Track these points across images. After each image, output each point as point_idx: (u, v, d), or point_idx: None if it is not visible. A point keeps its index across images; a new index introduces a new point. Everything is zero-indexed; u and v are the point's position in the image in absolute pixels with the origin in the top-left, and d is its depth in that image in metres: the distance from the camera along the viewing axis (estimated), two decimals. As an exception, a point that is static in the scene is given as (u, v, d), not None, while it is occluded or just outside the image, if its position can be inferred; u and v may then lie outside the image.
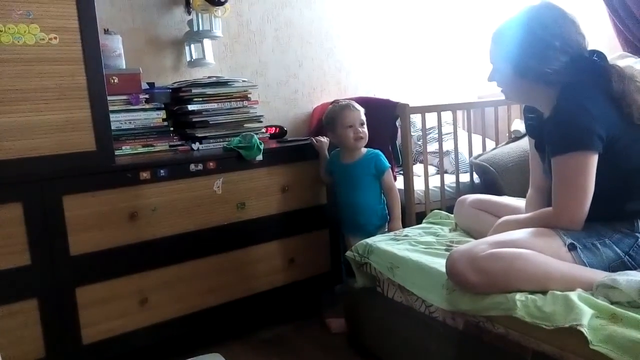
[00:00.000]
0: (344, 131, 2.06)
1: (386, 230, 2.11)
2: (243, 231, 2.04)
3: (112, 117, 1.86)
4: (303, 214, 2.20)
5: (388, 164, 2.12)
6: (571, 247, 1.33)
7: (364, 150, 2.12)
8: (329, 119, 2.12)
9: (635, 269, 1.32)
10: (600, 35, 2.69)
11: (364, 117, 2.09)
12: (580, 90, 1.38)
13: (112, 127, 1.84)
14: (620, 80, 1.36)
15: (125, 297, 1.81)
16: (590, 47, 1.44)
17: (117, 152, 1.90)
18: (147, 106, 2.08)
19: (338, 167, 2.15)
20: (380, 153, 2.13)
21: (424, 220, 2.10)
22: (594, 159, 1.32)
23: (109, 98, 1.77)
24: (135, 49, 2.32)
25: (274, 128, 2.53)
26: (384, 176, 2.10)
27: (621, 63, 1.47)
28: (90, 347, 1.75)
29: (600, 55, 1.43)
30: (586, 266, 1.32)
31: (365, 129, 2.08)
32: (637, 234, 1.36)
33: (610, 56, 1.47)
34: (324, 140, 2.22)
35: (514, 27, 1.45)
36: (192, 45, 2.45)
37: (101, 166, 1.74)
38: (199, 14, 2.34)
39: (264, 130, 2.33)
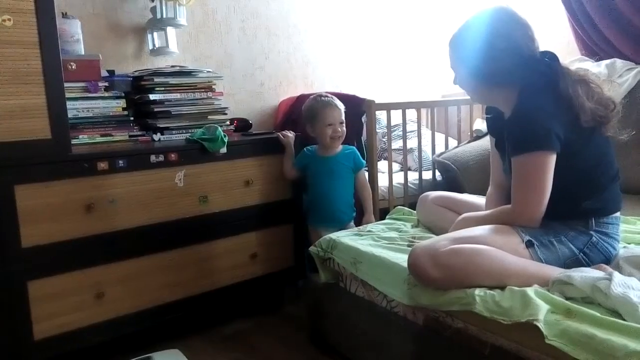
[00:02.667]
0: (323, 129, 2.09)
1: (352, 225, 2.16)
2: (205, 225, 2.01)
3: (69, 104, 1.78)
4: (267, 208, 2.18)
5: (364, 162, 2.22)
6: (529, 244, 1.37)
7: (340, 145, 2.17)
8: (310, 113, 2.13)
9: (589, 265, 1.36)
10: (560, 38, 2.77)
11: (343, 116, 2.13)
12: (539, 91, 1.41)
13: (69, 115, 1.77)
14: (568, 82, 1.39)
15: (80, 291, 1.74)
16: (550, 50, 1.48)
17: (73, 141, 1.82)
18: (106, 94, 2.01)
19: (315, 160, 2.17)
20: (356, 150, 2.20)
21: (387, 216, 2.11)
22: (552, 158, 1.36)
23: (65, 85, 1.70)
24: (95, 35, 2.24)
25: (238, 121, 2.49)
26: (360, 172, 2.20)
27: (579, 66, 1.51)
28: (43, 342, 1.68)
29: (552, 57, 1.46)
30: (543, 262, 1.36)
31: (344, 128, 2.13)
32: (591, 232, 1.41)
33: (569, 59, 1.51)
34: (291, 135, 2.22)
35: (465, 32, 1.51)
36: (155, 33, 2.38)
37: (56, 155, 1.67)
38: (163, 1, 2.27)
39: (228, 122, 2.29)
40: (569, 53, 2.68)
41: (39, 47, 1.61)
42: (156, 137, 2.07)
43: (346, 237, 1.81)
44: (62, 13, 2.03)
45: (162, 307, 1.93)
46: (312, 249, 1.87)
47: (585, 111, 1.36)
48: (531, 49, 1.44)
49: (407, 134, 2.63)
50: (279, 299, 2.34)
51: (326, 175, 2.15)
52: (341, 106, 2.13)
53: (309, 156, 2.19)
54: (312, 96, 2.20)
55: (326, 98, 2.14)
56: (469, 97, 1.80)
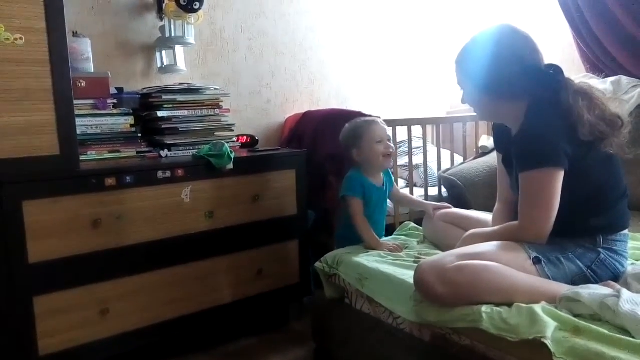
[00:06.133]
0: (373, 147, 1.90)
1: None
2: (211, 241, 2.01)
3: (78, 121, 1.80)
4: (273, 224, 2.18)
5: None
6: (536, 261, 1.36)
7: None
8: (355, 134, 1.95)
9: (597, 282, 1.35)
10: (565, 56, 2.78)
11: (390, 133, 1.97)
12: (547, 107, 1.41)
13: (78, 132, 1.78)
14: (570, 93, 1.40)
15: (85, 307, 1.75)
16: (555, 63, 1.48)
17: (82, 157, 1.84)
18: (114, 111, 2.03)
19: (372, 190, 1.95)
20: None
21: (394, 233, 2.11)
22: (560, 175, 1.35)
23: (75, 102, 1.72)
24: (105, 53, 2.28)
25: (245, 137, 2.51)
26: (394, 185, 2.12)
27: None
28: (47, 358, 1.68)
29: (556, 69, 1.47)
30: (550, 279, 1.35)
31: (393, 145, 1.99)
32: (599, 249, 1.40)
33: (575, 77, 1.52)
34: (400, 251, 1.86)
35: (471, 48, 1.53)
36: (164, 52, 2.42)
37: (65, 171, 1.69)
38: (172, 20, 2.31)
39: (235, 139, 2.31)
40: (574, 71, 2.69)
41: (50, 65, 1.64)
42: (163, 153, 2.08)
43: (352, 253, 1.81)
44: (73, 32, 2.07)
45: (167, 323, 1.92)
46: (317, 265, 1.86)
47: (583, 124, 1.35)
48: (535, 60, 1.45)
49: (413, 150, 2.64)
50: (285, 315, 2.32)
51: (381, 207, 2.01)
52: (385, 125, 1.98)
53: (365, 185, 1.93)
54: (349, 123, 2.01)
55: (367, 118, 1.99)
56: (474, 114, 1.81)
